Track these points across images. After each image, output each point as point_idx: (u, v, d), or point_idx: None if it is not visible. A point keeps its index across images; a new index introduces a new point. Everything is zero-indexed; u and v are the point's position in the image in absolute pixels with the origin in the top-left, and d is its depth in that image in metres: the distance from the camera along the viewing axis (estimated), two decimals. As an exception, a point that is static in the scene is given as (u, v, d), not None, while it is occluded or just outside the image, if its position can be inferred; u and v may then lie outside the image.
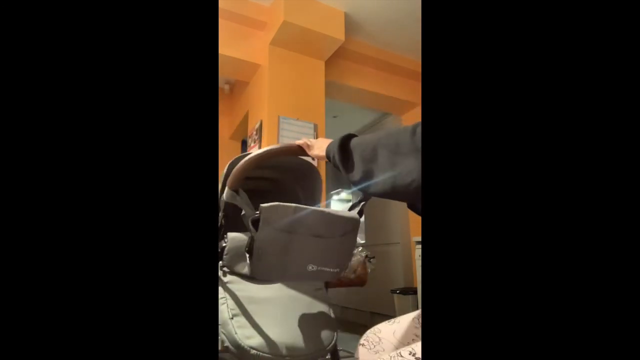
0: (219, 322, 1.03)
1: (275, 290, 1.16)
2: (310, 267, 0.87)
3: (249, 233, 1.25)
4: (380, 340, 0.81)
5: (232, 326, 1.00)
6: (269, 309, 1.09)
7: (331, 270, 0.91)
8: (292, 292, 1.19)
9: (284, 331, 1.04)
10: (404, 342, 0.78)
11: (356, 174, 0.65)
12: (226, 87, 3.65)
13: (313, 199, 1.25)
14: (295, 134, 2.63)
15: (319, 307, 1.19)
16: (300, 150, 0.86)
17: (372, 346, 0.81)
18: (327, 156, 0.76)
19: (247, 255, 0.85)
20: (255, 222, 0.82)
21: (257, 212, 0.82)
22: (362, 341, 0.84)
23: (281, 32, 2.59)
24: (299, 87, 2.77)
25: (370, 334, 0.84)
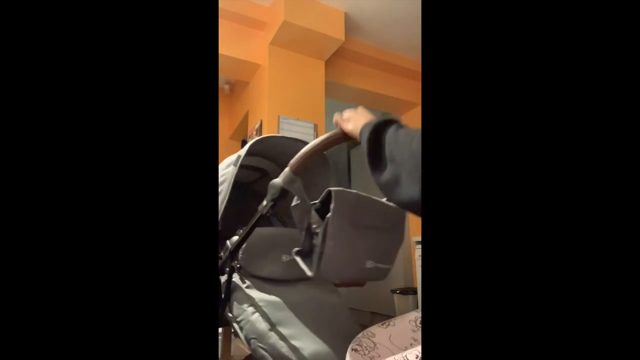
0: (254, 335, 0.89)
1: (297, 294, 1.04)
2: (368, 264, 0.76)
3: (278, 228, 1.08)
4: (375, 345, 0.75)
5: (275, 339, 0.87)
6: (302, 316, 0.96)
7: (385, 267, 0.79)
8: (314, 295, 1.07)
9: (327, 340, 0.92)
10: (400, 346, 0.74)
11: (383, 176, 0.56)
12: (226, 87, 3.64)
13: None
14: (295, 134, 2.62)
15: (343, 309, 1.09)
16: (346, 136, 0.71)
17: (366, 352, 0.74)
18: (360, 140, 0.64)
19: (298, 253, 0.72)
20: (322, 212, 0.69)
21: (315, 201, 0.71)
22: (354, 346, 0.77)
23: (281, 32, 2.59)
24: (299, 87, 2.77)
25: (363, 338, 0.77)
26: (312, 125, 2.73)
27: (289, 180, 0.75)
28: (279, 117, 2.63)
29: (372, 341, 0.76)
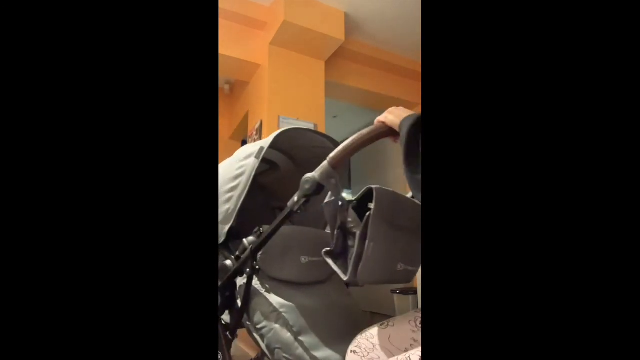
0: (278, 345, 0.85)
1: (316, 299, 0.99)
2: (399, 267, 0.72)
3: (290, 227, 0.99)
4: (374, 346, 0.73)
5: (301, 351, 0.83)
6: (324, 323, 0.92)
7: (414, 269, 0.76)
8: (332, 299, 1.03)
9: (347, 345, 0.87)
10: (400, 347, 0.72)
11: (418, 173, 0.53)
12: (226, 87, 3.64)
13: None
14: (295, 134, 2.61)
15: (358, 311, 1.06)
16: (389, 132, 0.68)
17: (365, 353, 0.73)
18: (400, 132, 0.61)
19: (329, 254, 0.68)
20: (358, 211, 0.65)
21: (352, 199, 0.67)
22: (353, 347, 0.75)
23: (281, 32, 2.59)
24: (299, 87, 2.76)
25: (362, 339, 0.76)
26: (312, 125, 2.73)
27: (326, 175, 0.69)
28: (279, 117, 2.63)
29: (370, 342, 0.74)
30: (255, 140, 2.76)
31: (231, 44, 2.73)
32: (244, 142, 3.53)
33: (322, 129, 2.76)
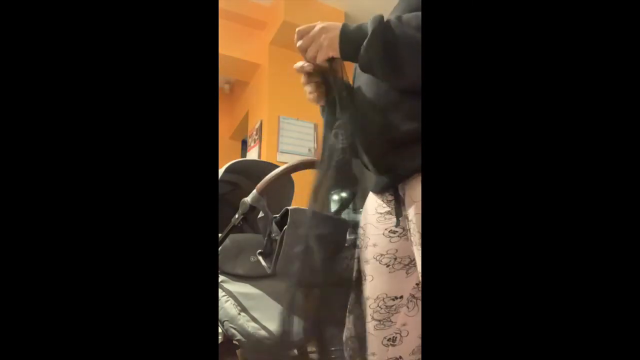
0: (227, 318, 1.13)
1: (262, 287, 1.29)
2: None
3: (249, 234, 1.32)
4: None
5: (243, 321, 1.11)
6: (265, 304, 1.23)
7: None
8: (276, 289, 1.31)
9: (285, 321, 1.13)
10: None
11: (409, 74, 0.53)
12: (226, 87, 3.64)
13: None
14: (295, 133, 2.63)
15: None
16: (310, 164, 0.94)
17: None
18: (345, 53, 0.61)
19: (261, 254, 0.93)
20: (281, 224, 0.90)
21: (276, 215, 0.92)
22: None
23: (281, 32, 2.59)
24: (299, 87, 2.76)
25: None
26: (312, 125, 2.73)
27: (256, 200, 0.97)
28: (279, 117, 2.63)
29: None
30: (255, 140, 2.77)
31: (231, 44, 2.73)
32: (244, 142, 3.53)
33: (322, 128, 2.76)
